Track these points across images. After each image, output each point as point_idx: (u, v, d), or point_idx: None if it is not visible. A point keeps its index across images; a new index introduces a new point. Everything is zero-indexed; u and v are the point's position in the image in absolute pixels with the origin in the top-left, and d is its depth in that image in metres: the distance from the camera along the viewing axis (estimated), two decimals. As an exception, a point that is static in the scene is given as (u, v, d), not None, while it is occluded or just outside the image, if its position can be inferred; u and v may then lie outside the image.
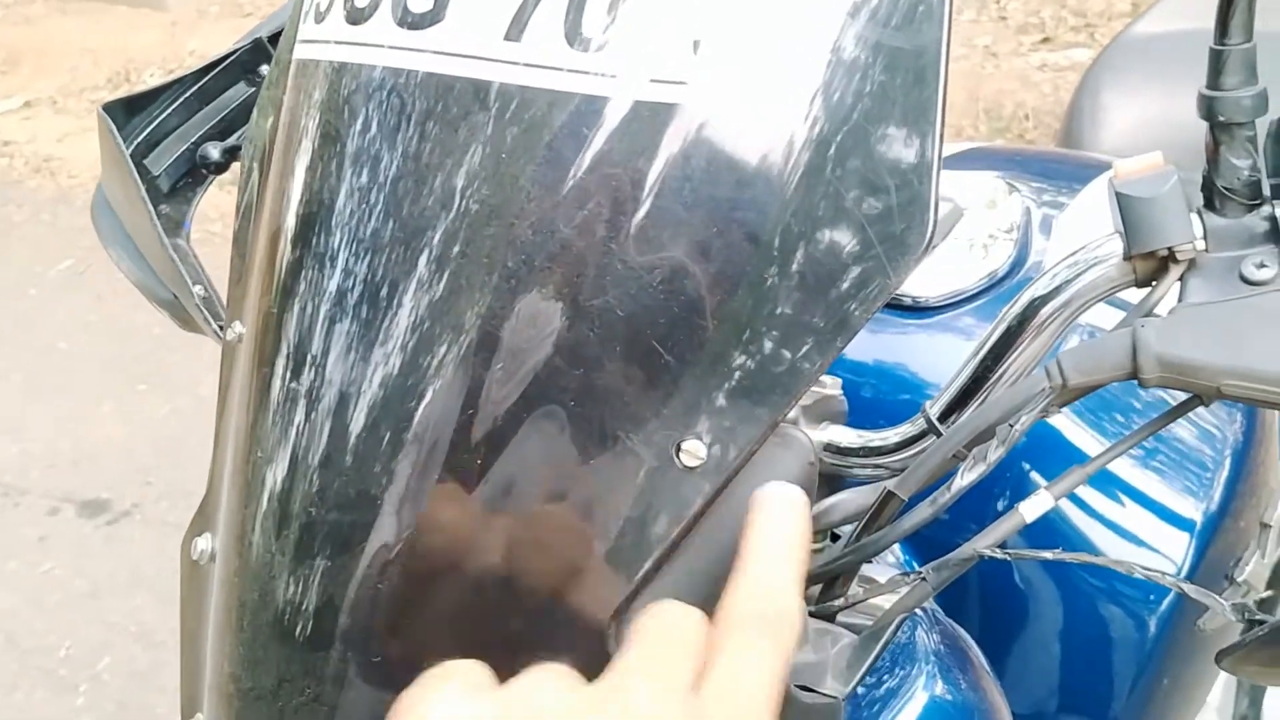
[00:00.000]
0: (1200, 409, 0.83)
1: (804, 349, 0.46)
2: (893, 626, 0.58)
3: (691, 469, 0.47)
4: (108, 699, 2.17)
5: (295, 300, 0.51)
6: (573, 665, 0.47)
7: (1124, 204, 0.58)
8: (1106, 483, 0.78)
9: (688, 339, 0.47)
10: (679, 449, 0.47)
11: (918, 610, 0.62)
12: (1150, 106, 1.49)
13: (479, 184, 0.48)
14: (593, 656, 0.47)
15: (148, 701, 2.15)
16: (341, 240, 0.50)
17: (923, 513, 0.59)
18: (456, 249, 0.48)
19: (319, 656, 0.48)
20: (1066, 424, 0.82)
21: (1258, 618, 0.54)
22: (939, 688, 0.59)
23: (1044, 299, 0.61)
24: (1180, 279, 0.58)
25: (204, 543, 0.58)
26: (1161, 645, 0.77)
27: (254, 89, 0.99)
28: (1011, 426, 0.58)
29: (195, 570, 0.58)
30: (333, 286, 0.50)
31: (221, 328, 0.80)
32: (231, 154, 0.96)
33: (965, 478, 0.58)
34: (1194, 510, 0.78)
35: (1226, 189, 0.58)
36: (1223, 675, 0.99)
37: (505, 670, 0.47)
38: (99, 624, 2.32)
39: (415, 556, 0.48)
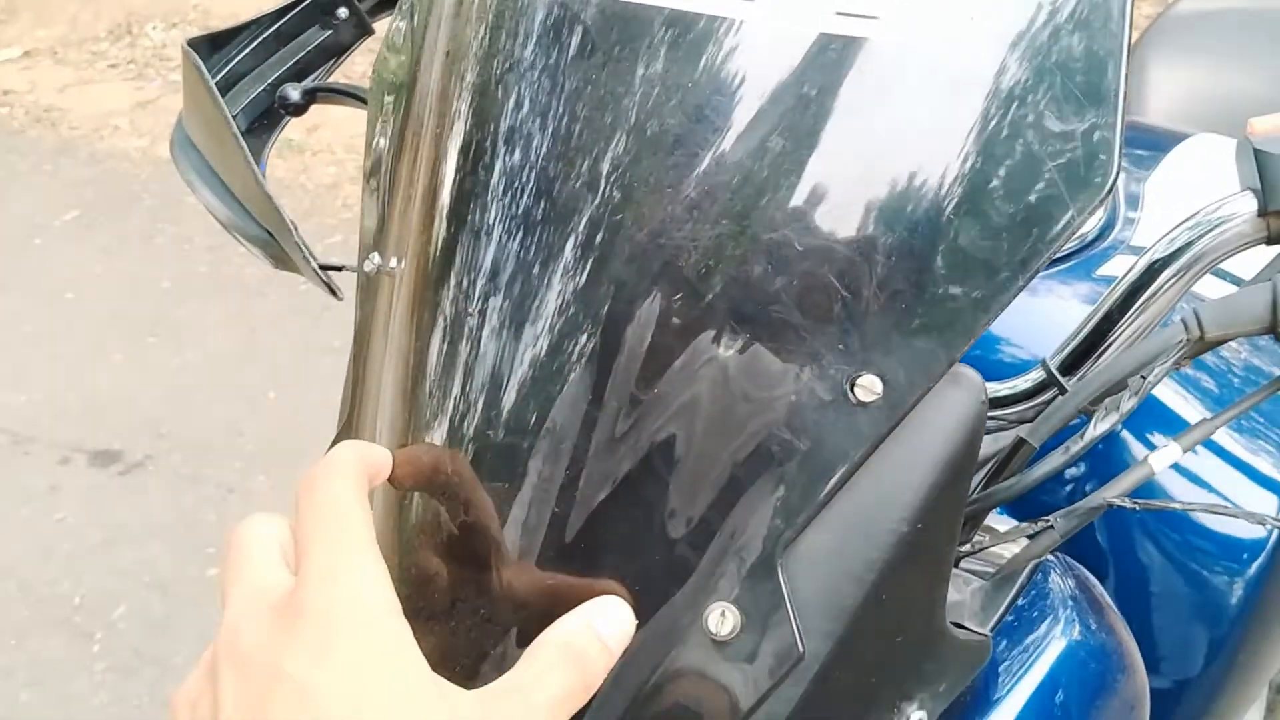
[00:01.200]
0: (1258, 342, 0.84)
1: (983, 287, 0.47)
2: (1027, 571, 0.59)
3: (865, 404, 0.47)
4: (123, 647, 2.17)
5: (469, 235, 0.51)
6: (741, 599, 0.47)
7: (1262, 161, 0.58)
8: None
9: (865, 274, 0.47)
10: (853, 385, 0.47)
11: (1050, 557, 0.62)
12: (1197, 81, 1.50)
13: (659, 114, 0.48)
14: (760, 591, 0.48)
15: (165, 650, 2.15)
16: (517, 172, 0.50)
17: (1055, 460, 0.59)
18: (633, 180, 0.48)
19: (486, 579, 0.49)
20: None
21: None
22: (1077, 631, 0.60)
23: (1169, 258, 0.61)
24: (1317, 237, 0.59)
25: None
26: (1247, 608, 0.78)
27: (329, 32, 0.98)
28: (1144, 378, 0.59)
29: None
30: (510, 216, 0.50)
31: (321, 266, 0.80)
32: (310, 96, 0.95)
33: (1098, 427, 0.59)
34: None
35: (1362, 148, 0.58)
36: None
37: (679, 600, 0.48)
38: (113, 573, 2.31)
39: (587, 484, 0.48)
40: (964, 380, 0.49)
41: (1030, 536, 0.62)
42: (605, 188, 0.48)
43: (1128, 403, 0.59)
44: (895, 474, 0.48)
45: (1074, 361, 0.63)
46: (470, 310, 0.50)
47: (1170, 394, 0.82)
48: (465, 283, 0.51)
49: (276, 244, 0.83)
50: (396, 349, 0.54)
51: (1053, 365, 0.64)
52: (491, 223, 0.50)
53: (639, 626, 0.48)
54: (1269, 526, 0.57)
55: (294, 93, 0.95)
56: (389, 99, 0.61)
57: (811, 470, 0.47)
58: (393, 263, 0.56)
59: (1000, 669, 0.58)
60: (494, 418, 0.49)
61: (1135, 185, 0.93)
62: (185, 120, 0.92)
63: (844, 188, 0.47)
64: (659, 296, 0.48)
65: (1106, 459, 0.79)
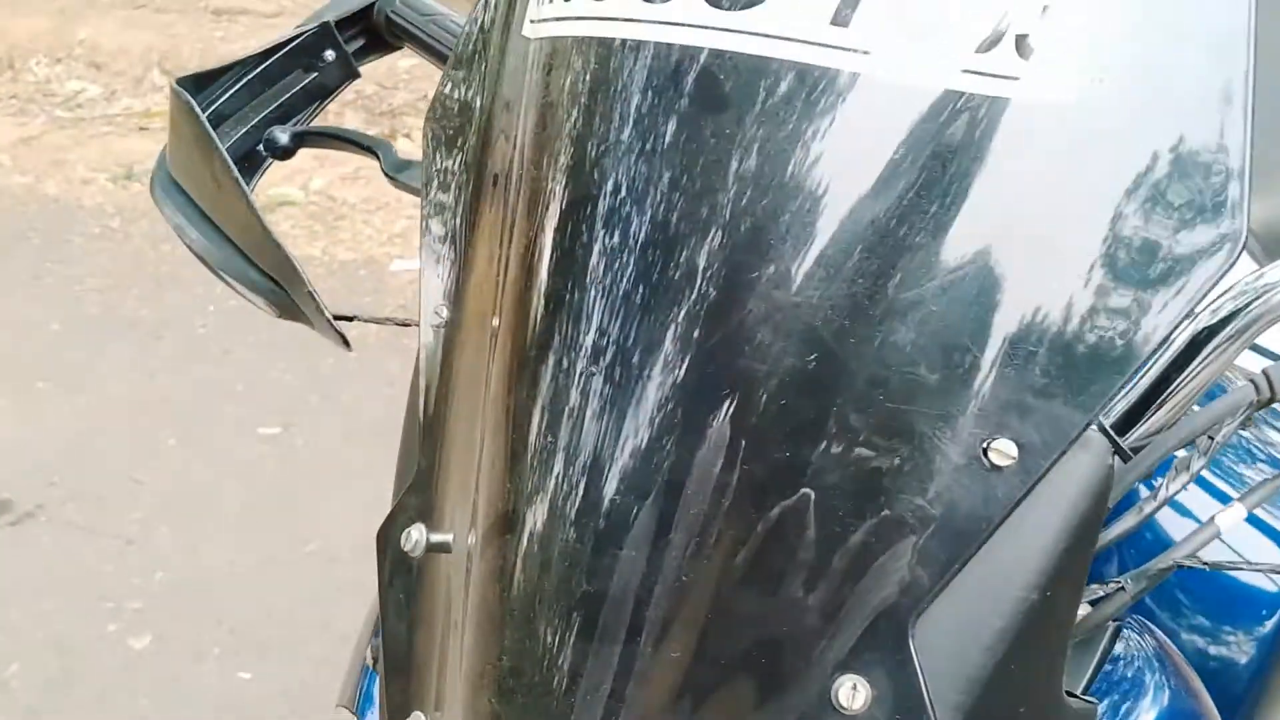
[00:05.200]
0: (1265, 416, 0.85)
1: (1120, 346, 0.47)
2: (1109, 633, 0.58)
3: (1000, 469, 0.46)
4: (17, 707, 2.05)
5: (569, 296, 0.49)
6: (872, 672, 0.46)
7: None
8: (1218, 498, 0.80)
9: (1001, 336, 0.46)
10: (988, 448, 0.46)
11: (1130, 620, 0.62)
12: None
13: (790, 166, 0.47)
14: (892, 663, 0.46)
15: (60, 708, 2.04)
16: (628, 229, 0.48)
17: (1129, 521, 0.59)
18: (757, 235, 0.47)
19: (613, 650, 0.46)
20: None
21: None
22: (1167, 696, 0.60)
23: (1217, 325, 0.62)
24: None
25: (417, 533, 0.55)
26: (1265, 663, 0.79)
27: (314, 74, 0.96)
28: (1211, 439, 0.59)
29: (404, 560, 0.56)
30: (614, 277, 0.48)
31: (335, 317, 0.77)
32: (299, 140, 0.92)
33: (1170, 487, 0.59)
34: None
35: None
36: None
37: (806, 674, 0.46)
38: (6, 630, 2.20)
39: (717, 552, 0.46)
40: (1091, 443, 0.49)
41: (1094, 601, 0.62)
42: (724, 244, 0.47)
43: (1197, 462, 0.59)
44: (1024, 540, 0.47)
45: (1131, 419, 0.63)
46: (587, 370, 0.48)
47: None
48: (580, 342, 0.49)
49: (280, 291, 0.80)
50: (492, 406, 0.51)
51: (1107, 423, 0.64)
52: (606, 285, 0.49)
53: (765, 699, 0.46)
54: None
55: (282, 136, 0.91)
56: (455, 142, 0.59)
57: (945, 537, 0.46)
58: (472, 318, 0.54)
59: (1096, 728, 0.58)
60: (612, 488, 0.47)
61: None
62: (171, 161, 0.88)
63: (980, 248, 0.47)
64: (790, 357, 0.46)
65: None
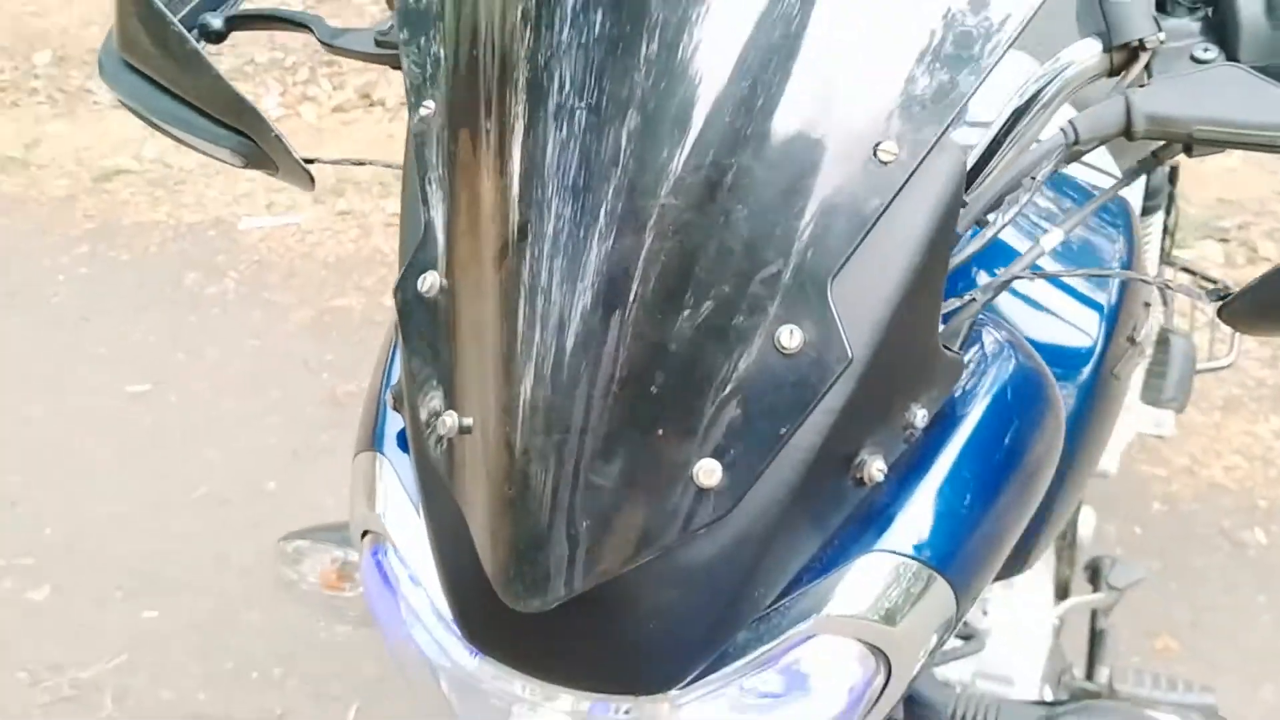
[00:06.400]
0: (1088, 223, 1.04)
1: (966, 65, 0.63)
2: (967, 325, 0.75)
3: (886, 163, 0.62)
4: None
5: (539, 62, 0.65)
6: (804, 317, 0.61)
7: (1108, 8, 0.77)
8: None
9: (881, 56, 0.63)
10: (877, 148, 0.62)
11: (982, 317, 0.79)
12: None
13: None
14: (817, 311, 0.62)
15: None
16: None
17: (976, 243, 0.76)
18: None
19: (625, 310, 0.61)
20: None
21: (1227, 290, 0.74)
22: (1015, 363, 0.77)
23: (1036, 95, 0.79)
24: (1146, 65, 0.78)
25: (432, 277, 0.68)
26: (1085, 402, 0.97)
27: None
28: (1033, 179, 0.76)
29: (422, 300, 0.68)
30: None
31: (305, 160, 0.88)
32: (231, 23, 1.01)
33: (1005, 216, 0.76)
34: (1103, 294, 0.99)
35: (1177, -2, 0.78)
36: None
37: (755, 324, 0.61)
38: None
39: (687, 237, 0.61)
40: (950, 146, 0.65)
41: (956, 311, 0.78)
42: None
43: (1024, 196, 0.76)
44: (908, 219, 0.63)
45: (973, 174, 0.80)
46: (574, 118, 0.63)
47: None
48: (565, 92, 0.64)
49: (246, 141, 0.90)
50: (493, 168, 0.65)
51: None
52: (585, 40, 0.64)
53: (729, 347, 0.61)
54: (1154, 283, 0.77)
55: (215, 20, 1.00)
56: None
57: (850, 216, 0.62)
58: (460, 108, 0.68)
59: (967, 389, 0.74)
60: (608, 194, 0.62)
61: None
62: (119, 42, 0.96)
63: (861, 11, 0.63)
64: (735, 80, 0.62)
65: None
